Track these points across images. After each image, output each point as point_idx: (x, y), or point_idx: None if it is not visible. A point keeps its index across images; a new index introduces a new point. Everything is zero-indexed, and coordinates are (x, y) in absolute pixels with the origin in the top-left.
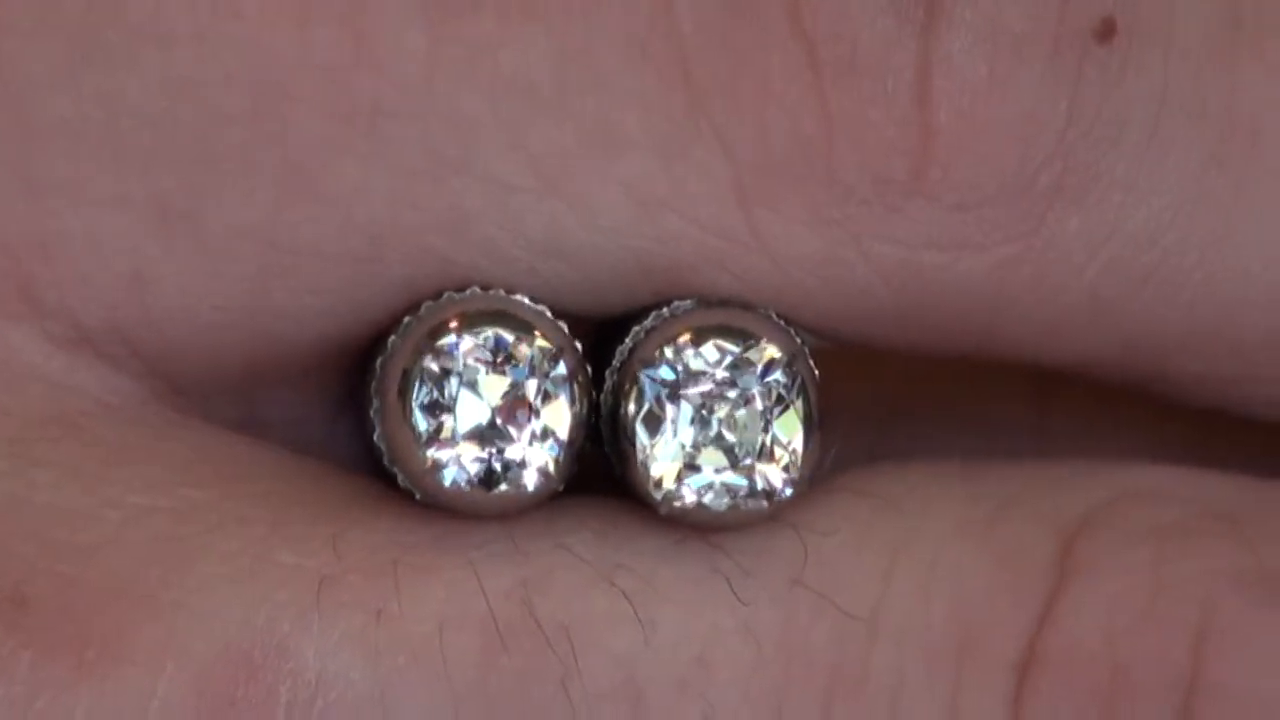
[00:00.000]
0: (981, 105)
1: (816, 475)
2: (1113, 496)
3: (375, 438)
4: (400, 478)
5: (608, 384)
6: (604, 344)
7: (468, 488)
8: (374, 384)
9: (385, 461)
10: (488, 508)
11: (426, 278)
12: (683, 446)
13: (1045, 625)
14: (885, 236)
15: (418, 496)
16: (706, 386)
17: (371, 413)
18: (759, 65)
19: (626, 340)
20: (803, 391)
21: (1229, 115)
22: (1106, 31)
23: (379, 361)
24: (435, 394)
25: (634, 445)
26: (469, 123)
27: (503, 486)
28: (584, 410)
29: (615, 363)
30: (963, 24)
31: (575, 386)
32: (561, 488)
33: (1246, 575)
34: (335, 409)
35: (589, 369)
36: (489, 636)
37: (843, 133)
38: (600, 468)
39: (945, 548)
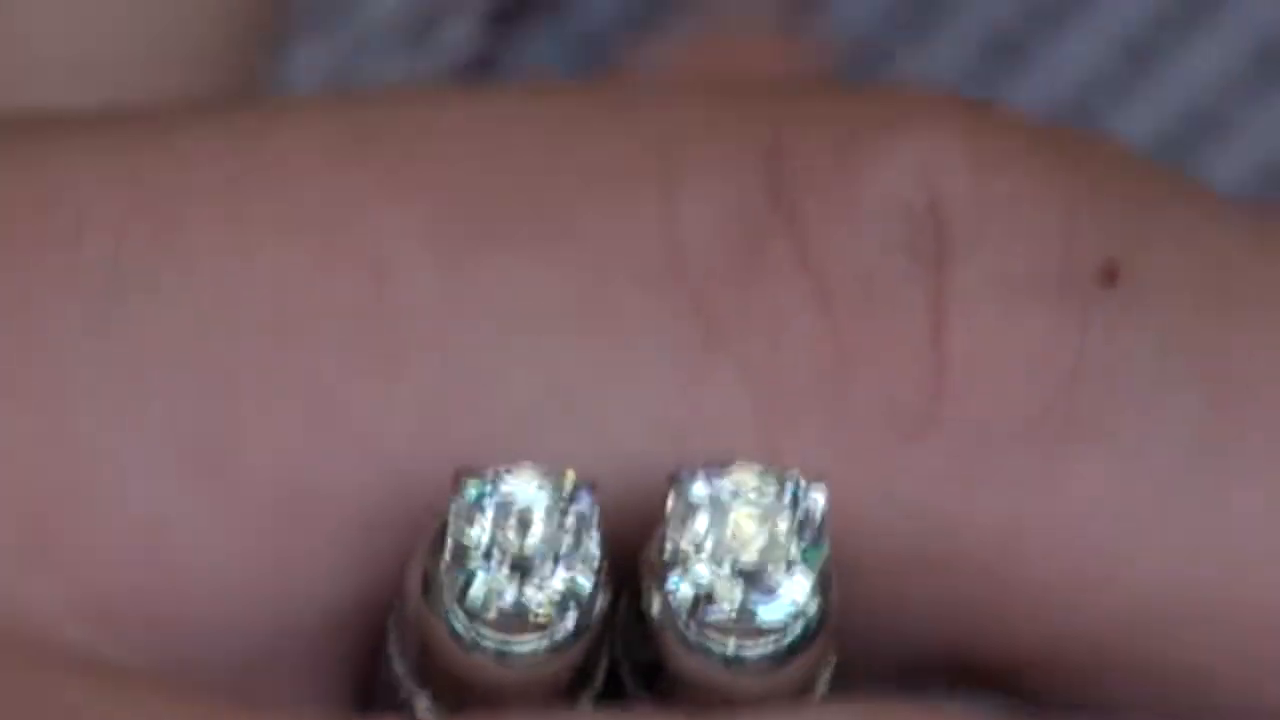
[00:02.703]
0: (995, 341)
1: None
2: None
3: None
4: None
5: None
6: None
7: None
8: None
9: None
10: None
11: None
12: None
13: None
14: (903, 468)
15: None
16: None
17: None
18: (771, 298)
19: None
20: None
21: (1224, 373)
22: (1109, 275)
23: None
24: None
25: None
26: (488, 354)
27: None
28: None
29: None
30: (973, 263)
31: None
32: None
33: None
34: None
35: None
36: None
37: (858, 366)
38: None
39: None
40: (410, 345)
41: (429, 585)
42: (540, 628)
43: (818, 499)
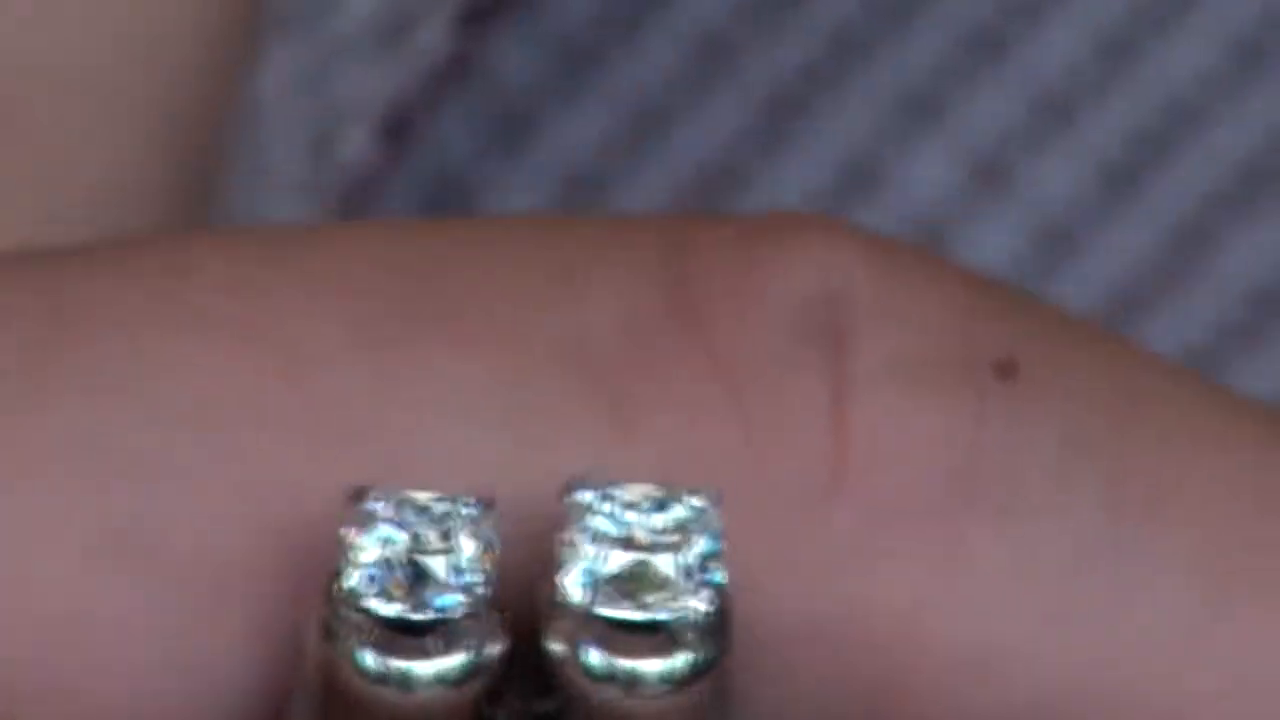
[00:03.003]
0: (895, 423)
1: None
2: None
3: None
4: None
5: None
6: None
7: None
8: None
9: None
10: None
11: None
12: None
13: None
14: (805, 541)
15: None
16: None
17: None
18: (680, 385)
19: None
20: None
21: (1125, 475)
22: (1009, 369)
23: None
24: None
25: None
26: (409, 440)
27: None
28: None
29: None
30: (873, 350)
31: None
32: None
33: None
34: None
35: None
36: None
37: (764, 446)
38: None
39: None
40: (331, 430)
41: (327, 626)
42: (435, 629)
43: (713, 513)
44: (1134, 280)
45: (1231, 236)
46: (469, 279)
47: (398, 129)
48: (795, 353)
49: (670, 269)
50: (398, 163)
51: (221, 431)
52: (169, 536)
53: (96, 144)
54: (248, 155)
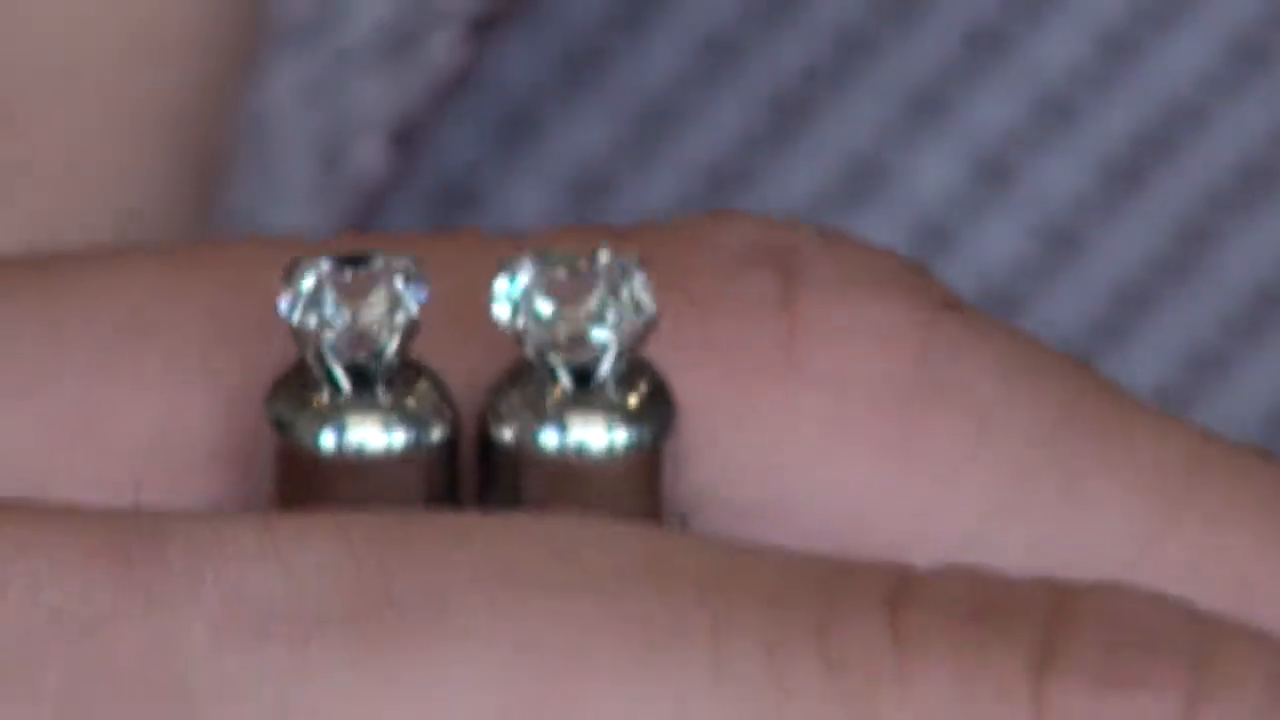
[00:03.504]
0: (844, 313)
1: None
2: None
3: None
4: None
5: None
6: None
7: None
8: None
9: None
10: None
11: None
12: None
13: None
14: (765, 409)
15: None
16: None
17: None
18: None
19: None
20: None
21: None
22: (953, 305)
23: None
24: None
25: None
26: None
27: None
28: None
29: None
30: (820, 271)
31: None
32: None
33: None
34: None
35: None
36: None
37: (717, 325)
38: None
39: None
40: None
41: (282, 418)
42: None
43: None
44: (1137, 278)
45: (1234, 234)
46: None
47: (407, 139)
48: (746, 267)
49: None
50: (403, 174)
51: None
52: None
53: (98, 147)
54: (256, 165)
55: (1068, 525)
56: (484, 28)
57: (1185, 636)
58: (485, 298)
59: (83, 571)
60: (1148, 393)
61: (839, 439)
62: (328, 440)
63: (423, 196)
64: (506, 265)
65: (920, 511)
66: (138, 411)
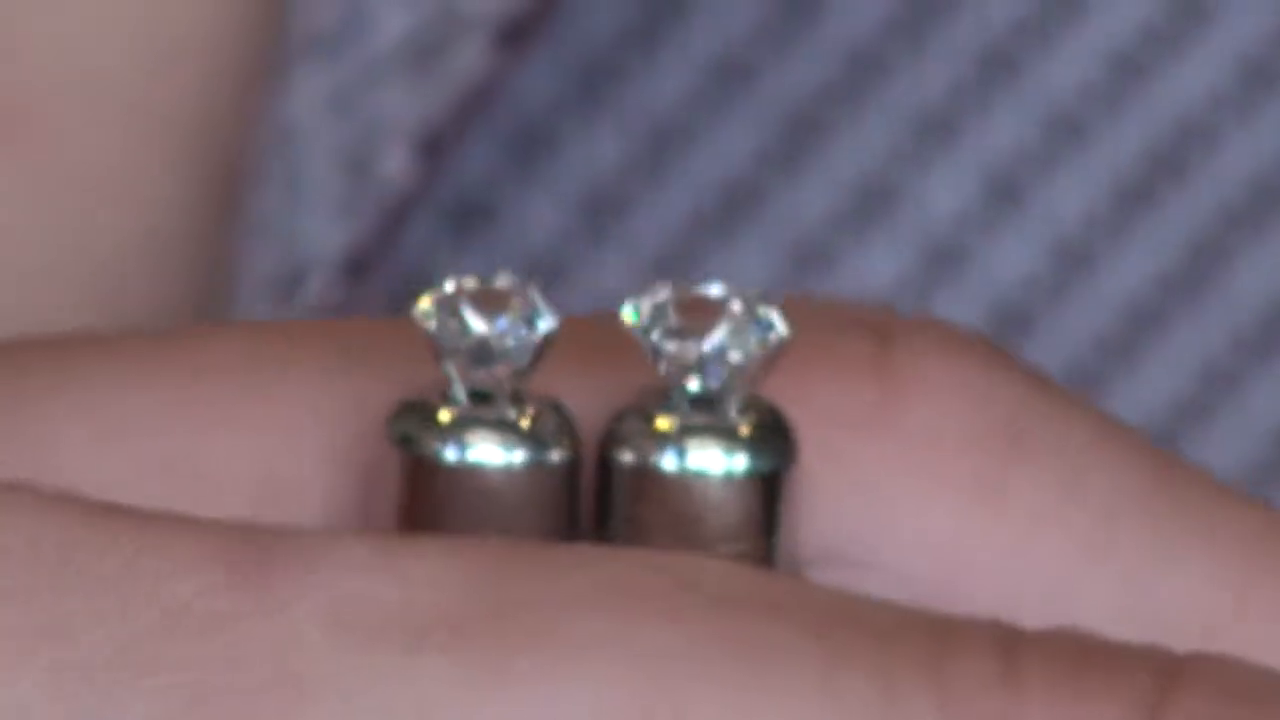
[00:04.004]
0: (939, 368)
1: None
2: None
3: None
4: None
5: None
6: None
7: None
8: None
9: None
10: None
11: None
12: None
13: None
14: (857, 461)
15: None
16: None
17: None
18: None
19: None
20: None
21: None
22: (1043, 374)
23: None
24: None
25: None
26: None
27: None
28: None
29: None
30: (915, 336)
31: None
32: None
33: None
34: None
35: None
36: None
37: (812, 377)
38: None
39: None
40: None
41: (406, 434)
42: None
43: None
44: (1148, 297)
45: (1244, 252)
46: None
47: (432, 148)
48: (842, 331)
49: None
50: (429, 183)
51: None
52: None
53: (117, 157)
54: (282, 174)
55: (1155, 583)
56: (510, 38)
57: None
58: (612, 330)
59: (201, 573)
60: (1160, 410)
61: (931, 484)
62: (450, 455)
63: (439, 210)
64: (641, 289)
65: (1012, 557)
66: (245, 455)
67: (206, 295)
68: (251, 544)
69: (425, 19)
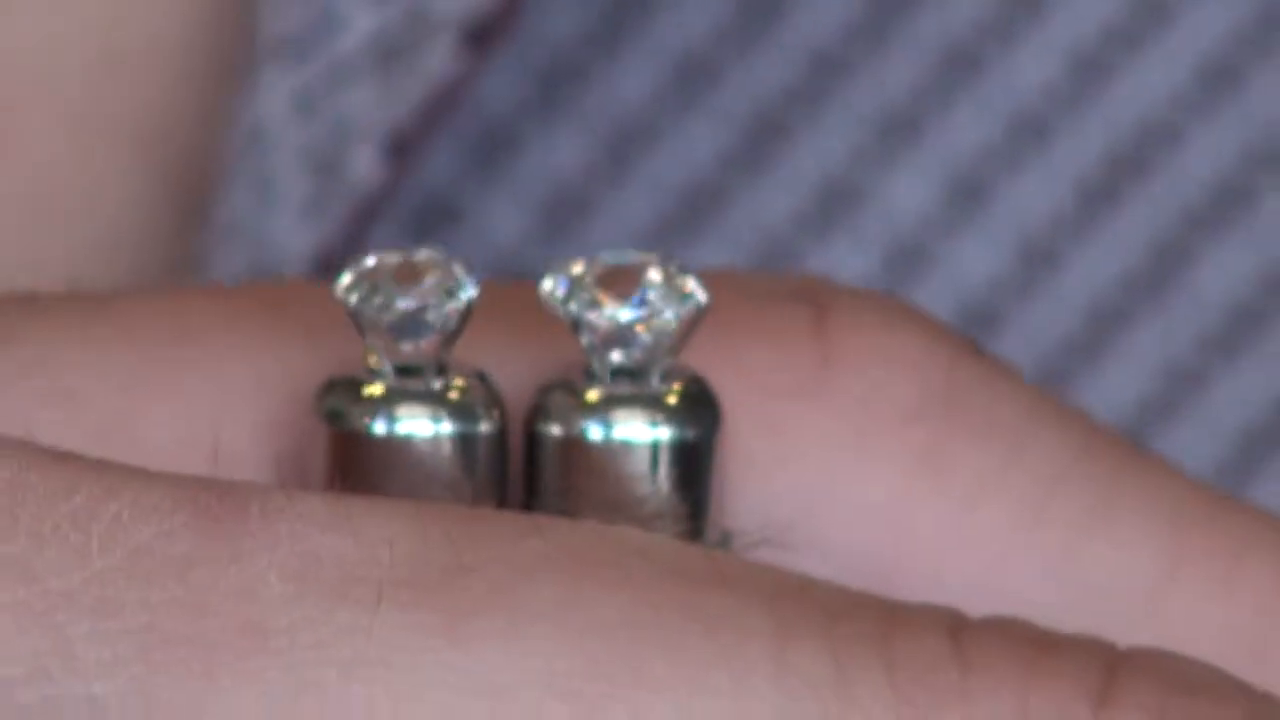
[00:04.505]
0: (874, 340)
1: None
2: None
3: None
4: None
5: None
6: None
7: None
8: None
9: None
10: None
11: None
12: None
13: None
14: (799, 430)
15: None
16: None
17: None
18: None
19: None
20: None
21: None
22: (978, 349)
23: None
24: None
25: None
26: None
27: None
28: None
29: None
30: (848, 309)
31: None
32: None
33: None
34: None
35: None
36: None
37: (750, 348)
38: None
39: None
40: None
41: (335, 409)
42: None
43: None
44: (1112, 296)
45: (1207, 252)
46: None
47: (400, 150)
48: (778, 301)
49: None
50: (397, 184)
51: None
52: None
53: (71, 166)
54: (250, 177)
55: (1090, 550)
56: (477, 39)
57: (1239, 693)
58: (533, 300)
59: (166, 517)
60: (1124, 408)
61: (870, 455)
62: (379, 428)
63: (403, 212)
64: (559, 263)
65: (950, 526)
66: (182, 423)
67: None
68: (212, 492)
69: (392, 20)
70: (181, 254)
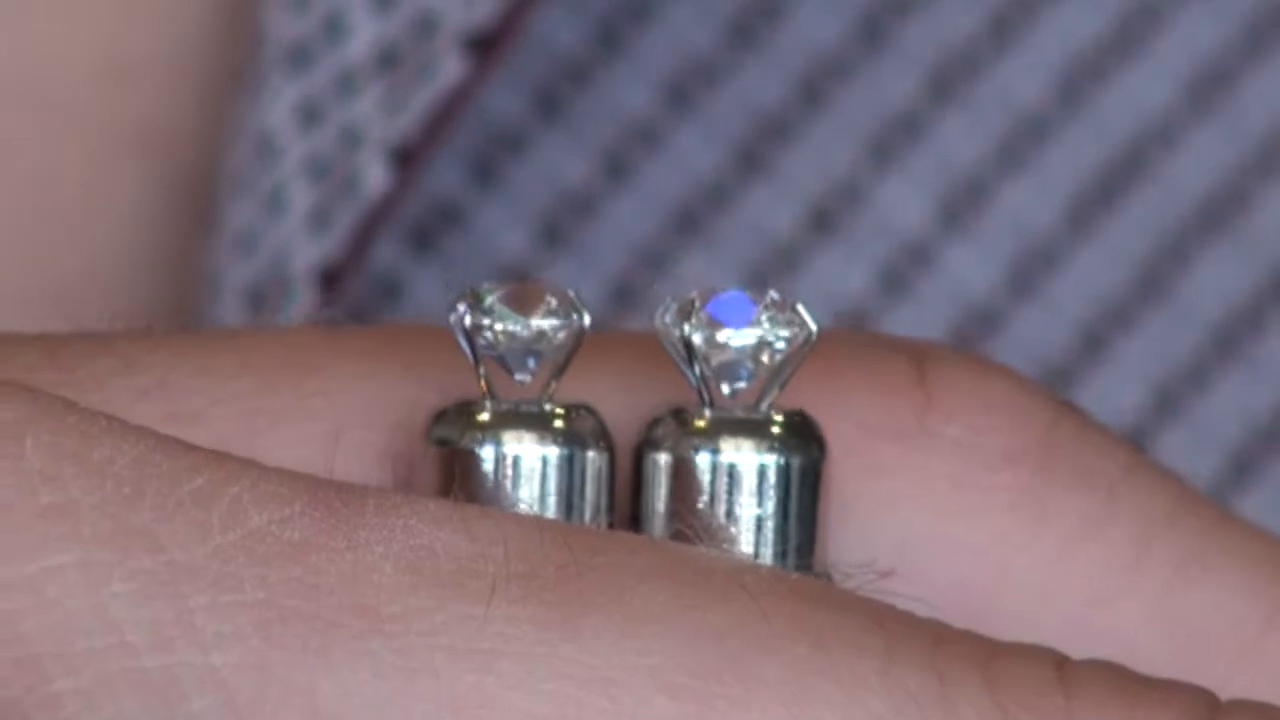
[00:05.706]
0: (977, 389)
1: None
2: None
3: None
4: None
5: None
6: None
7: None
8: None
9: None
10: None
11: None
12: None
13: None
14: (898, 473)
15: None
16: None
17: None
18: None
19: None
20: None
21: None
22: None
23: None
24: None
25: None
26: None
27: None
28: None
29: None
30: (950, 366)
31: None
32: None
33: None
34: None
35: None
36: None
37: (855, 394)
38: None
39: None
40: None
41: (445, 437)
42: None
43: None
44: (1108, 303)
45: (1202, 259)
46: None
47: (406, 158)
48: (880, 350)
49: None
50: (402, 193)
51: None
52: None
53: (70, 175)
54: (256, 185)
55: (1187, 597)
56: (481, 49)
57: None
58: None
59: (285, 504)
60: (1121, 415)
61: (970, 497)
62: (488, 452)
63: (404, 221)
64: (672, 292)
65: (1049, 569)
66: (296, 443)
67: (173, 306)
68: (329, 485)
69: (398, 30)
70: (186, 261)
